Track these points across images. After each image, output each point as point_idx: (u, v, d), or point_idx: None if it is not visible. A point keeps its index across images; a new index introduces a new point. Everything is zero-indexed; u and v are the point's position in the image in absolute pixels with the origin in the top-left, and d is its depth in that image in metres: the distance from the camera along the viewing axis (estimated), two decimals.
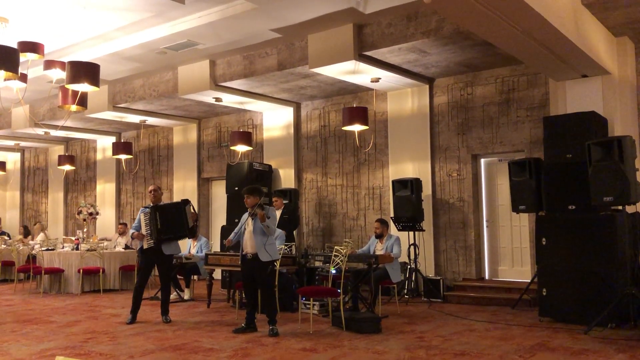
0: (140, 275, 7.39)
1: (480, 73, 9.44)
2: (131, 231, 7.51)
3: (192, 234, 7.58)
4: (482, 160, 9.71)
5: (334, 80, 9.69)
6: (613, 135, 7.30)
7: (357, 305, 7.72)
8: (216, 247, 11.18)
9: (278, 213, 9.65)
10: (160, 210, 7.32)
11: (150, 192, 7.53)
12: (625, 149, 6.31)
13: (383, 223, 8.27)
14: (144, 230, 7.29)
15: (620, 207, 6.65)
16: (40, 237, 12.76)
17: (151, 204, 7.49)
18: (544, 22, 5.68)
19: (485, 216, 9.64)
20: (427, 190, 9.65)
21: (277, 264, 7.51)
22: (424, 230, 9.44)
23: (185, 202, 7.48)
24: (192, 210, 7.43)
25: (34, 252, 11.02)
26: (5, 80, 6.03)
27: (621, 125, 7.64)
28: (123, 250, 10.92)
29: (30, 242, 12.32)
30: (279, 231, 8.59)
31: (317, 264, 8.89)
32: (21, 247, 11.66)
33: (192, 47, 9.08)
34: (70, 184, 16.07)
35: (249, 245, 6.62)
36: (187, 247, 9.97)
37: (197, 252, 9.52)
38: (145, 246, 7.28)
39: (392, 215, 9.61)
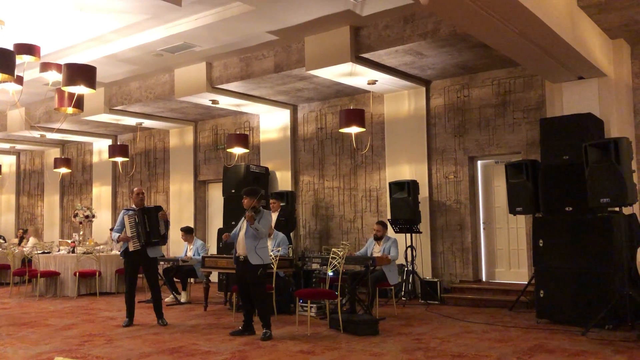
0: (128, 280, 7.38)
1: (476, 75, 9.45)
2: (114, 234, 7.43)
3: (164, 241, 7.55)
4: (479, 162, 9.72)
5: (331, 82, 9.69)
6: (609, 136, 7.31)
7: (355, 308, 7.70)
8: (213, 249, 11.15)
9: (275, 215, 9.64)
10: (148, 213, 7.37)
11: (138, 194, 7.53)
12: (622, 151, 6.33)
13: (384, 225, 8.29)
14: (129, 233, 7.27)
15: (617, 209, 6.66)
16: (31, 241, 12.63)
17: (134, 207, 7.50)
18: (541, 23, 5.70)
19: (482, 218, 9.65)
20: (424, 192, 9.65)
21: (274, 267, 7.49)
22: (421, 233, 9.43)
23: (158, 208, 7.53)
24: (165, 218, 7.46)
25: (29, 255, 10.96)
26: (1, 82, 6.01)
27: (617, 126, 7.66)
28: (119, 253, 10.87)
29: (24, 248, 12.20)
30: (281, 235, 8.57)
31: (315, 266, 8.86)
32: (16, 251, 11.59)
33: (189, 49, 9.07)
34: (66, 186, 16.01)
35: (241, 247, 6.60)
36: (184, 249, 9.94)
37: (194, 255, 9.50)
38: (131, 248, 7.25)
39: (389, 217, 9.60)
